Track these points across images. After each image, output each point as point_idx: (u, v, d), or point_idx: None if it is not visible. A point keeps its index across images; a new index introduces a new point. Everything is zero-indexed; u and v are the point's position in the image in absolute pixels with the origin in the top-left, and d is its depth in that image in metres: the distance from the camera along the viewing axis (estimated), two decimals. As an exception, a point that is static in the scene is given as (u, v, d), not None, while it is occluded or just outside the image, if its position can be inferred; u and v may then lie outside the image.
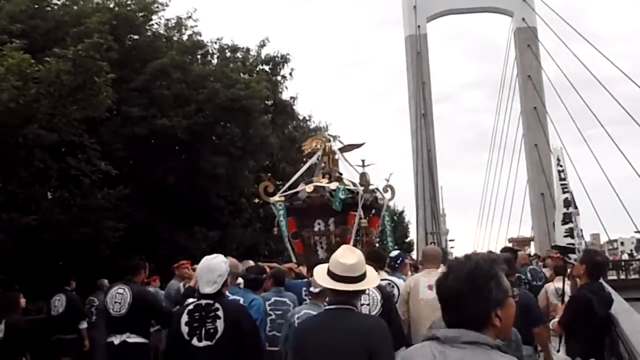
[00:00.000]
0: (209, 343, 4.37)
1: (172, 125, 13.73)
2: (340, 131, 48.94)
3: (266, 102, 16.92)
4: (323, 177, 11.68)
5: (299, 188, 11.68)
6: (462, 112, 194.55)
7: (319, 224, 11.45)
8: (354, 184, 11.50)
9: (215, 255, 4.77)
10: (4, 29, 11.57)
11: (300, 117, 22.44)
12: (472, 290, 2.09)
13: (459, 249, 57.49)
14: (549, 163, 44.40)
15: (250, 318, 4.91)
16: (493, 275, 2.12)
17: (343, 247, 3.93)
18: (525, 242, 45.60)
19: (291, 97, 21.52)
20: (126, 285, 6.93)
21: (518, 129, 48.45)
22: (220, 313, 4.43)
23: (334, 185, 11.21)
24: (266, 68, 20.30)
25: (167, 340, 5.03)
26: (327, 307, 3.78)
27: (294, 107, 21.70)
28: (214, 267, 4.56)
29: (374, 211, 12.12)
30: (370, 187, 11.71)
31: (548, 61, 42.38)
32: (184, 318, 4.46)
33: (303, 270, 8.54)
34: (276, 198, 11.64)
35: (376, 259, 6.36)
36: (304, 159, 14.14)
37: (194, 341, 4.37)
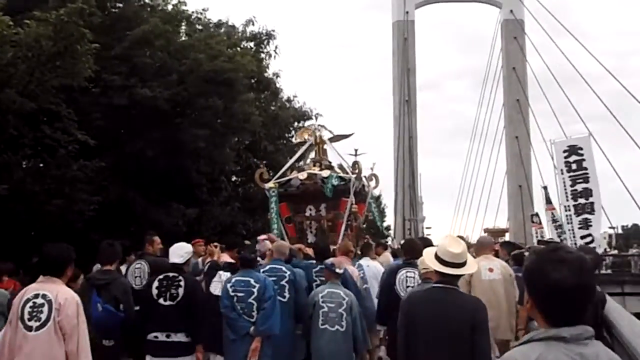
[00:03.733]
0: (171, 303, 6.05)
1: (154, 96, 13.20)
2: (323, 113, 48.62)
3: (251, 78, 16.38)
4: (314, 166, 12.38)
5: (292, 175, 12.31)
6: (445, 100, 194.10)
7: (310, 209, 12.05)
8: (345, 172, 12.11)
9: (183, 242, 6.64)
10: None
11: (285, 97, 21.98)
12: (594, 286, 2.16)
13: (434, 237, 57.51)
14: (529, 155, 44.59)
15: (201, 289, 6.77)
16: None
17: (449, 237, 4.60)
18: (500, 232, 45.79)
19: (274, 74, 21.04)
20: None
21: (500, 120, 48.43)
22: (182, 282, 6.11)
23: (326, 173, 11.80)
24: (251, 45, 19.75)
25: (141, 299, 6.38)
26: (435, 285, 4.36)
27: (278, 84, 21.21)
28: (182, 246, 6.43)
29: (362, 198, 12.53)
30: (361, 175, 12.15)
31: (533, 55, 42.15)
32: (155, 284, 6.14)
33: (310, 251, 8.94)
34: (270, 184, 12.05)
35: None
36: (295, 148, 14.73)
37: (161, 300, 6.06)
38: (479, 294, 6.53)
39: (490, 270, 7.39)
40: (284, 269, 6.99)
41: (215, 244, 8.46)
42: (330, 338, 6.27)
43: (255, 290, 6.16)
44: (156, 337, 6.03)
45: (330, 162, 12.75)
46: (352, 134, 13.50)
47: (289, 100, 22.08)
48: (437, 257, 4.33)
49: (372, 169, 12.99)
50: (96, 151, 13.36)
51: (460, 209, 49.73)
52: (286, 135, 21.77)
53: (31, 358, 4.45)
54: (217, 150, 15.65)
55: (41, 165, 11.64)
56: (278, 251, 7.38)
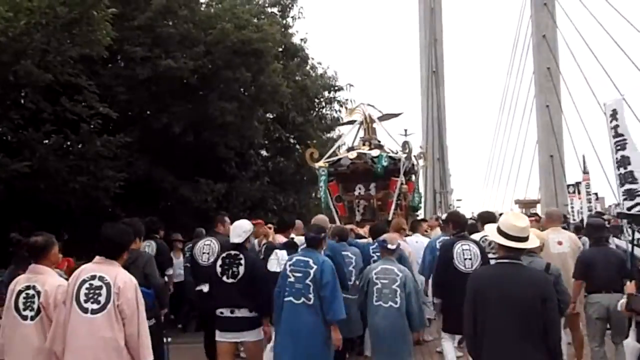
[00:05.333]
0: (233, 280, 6.31)
1: (178, 67, 12.61)
2: (349, 80, 47.83)
3: (279, 48, 15.67)
4: (363, 145, 12.69)
5: (342, 155, 12.73)
6: (474, 71, 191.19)
7: (359, 188, 12.43)
8: (394, 152, 12.43)
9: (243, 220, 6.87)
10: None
11: (311, 65, 21.17)
12: None
13: (465, 209, 57.03)
14: (560, 124, 43.68)
15: (262, 265, 6.84)
16: None
17: (512, 212, 4.95)
18: (531, 204, 45.13)
19: (302, 39, 20.27)
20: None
21: (530, 89, 47.20)
22: (242, 261, 6.37)
23: (375, 153, 12.14)
24: (275, 10, 18.99)
25: (209, 277, 6.77)
26: (500, 261, 4.40)
27: (306, 51, 20.43)
28: (242, 225, 6.63)
29: (411, 176, 13.01)
30: (411, 155, 12.55)
31: (564, 21, 40.85)
32: (219, 262, 6.46)
33: (362, 231, 9.45)
34: (320, 164, 12.49)
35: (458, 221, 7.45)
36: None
37: (224, 278, 6.35)
38: None
39: (560, 243, 7.44)
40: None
41: (270, 225, 8.75)
42: (385, 314, 6.36)
43: (312, 272, 6.05)
44: (222, 312, 6.32)
45: (379, 141, 12.91)
46: (401, 114, 13.80)
47: (313, 67, 21.25)
48: (500, 232, 4.37)
49: (421, 147, 13.62)
50: (121, 126, 12.89)
51: (490, 181, 48.96)
52: (315, 106, 21.08)
53: (89, 341, 4.40)
54: (246, 124, 15.02)
55: (64, 141, 11.09)
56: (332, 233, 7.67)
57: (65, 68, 10.16)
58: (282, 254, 7.18)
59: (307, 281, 6.02)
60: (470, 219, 11.39)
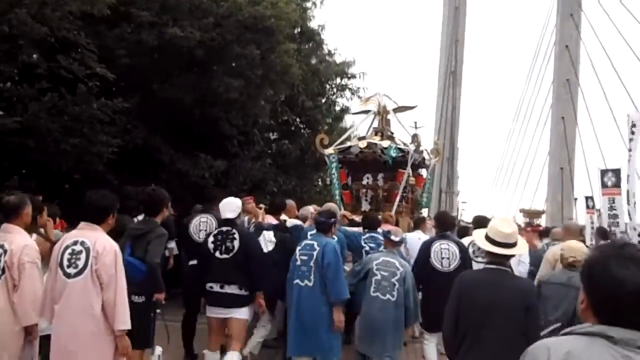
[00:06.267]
0: (226, 256, 6.33)
1: (185, 37, 12.15)
2: (365, 68, 47.17)
3: (294, 28, 15.19)
4: (375, 135, 12.52)
5: (352, 143, 12.60)
6: (492, 75, 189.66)
7: (367, 178, 12.32)
8: (404, 144, 12.23)
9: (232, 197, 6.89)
10: None
11: (326, 51, 20.72)
12: None
13: (468, 212, 56.70)
14: (574, 137, 43.01)
15: (256, 241, 6.92)
16: None
17: (499, 218, 5.03)
18: (536, 214, 44.61)
19: (319, 26, 19.79)
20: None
21: (547, 99, 46.50)
22: (236, 236, 6.39)
23: (385, 143, 11.91)
24: (295, -6, 18.50)
25: (199, 253, 6.77)
26: (488, 267, 4.41)
27: (322, 36, 19.95)
28: (232, 201, 6.70)
29: (421, 171, 13.00)
30: (420, 148, 12.46)
31: (588, 32, 40.19)
32: (211, 239, 6.48)
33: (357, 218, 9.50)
34: (330, 150, 12.33)
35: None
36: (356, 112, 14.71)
37: (217, 254, 6.38)
38: (542, 274, 6.84)
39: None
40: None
41: (261, 205, 8.56)
42: (381, 306, 6.35)
43: (315, 253, 6.26)
44: (211, 287, 6.39)
45: (392, 133, 12.77)
46: (415, 106, 13.48)
47: (329, 54, 20.80)
48: (487, 238, 4.38)
49: (436, 142, 13.88)
50: (121, 91, 12.52)
51: (497, 187, 48.47)
52: (327, 92, 20.65)
53: (69, 305, 4.43)
54: (252, 102, 14.61)
55: (59, 100, 10.70)
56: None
57: (63, 23, 9.75)
58: (269, 234, 7.37)
59: (311, 263, 6.24)
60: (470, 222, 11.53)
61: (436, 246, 7.09)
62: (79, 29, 10.40)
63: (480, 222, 7.80)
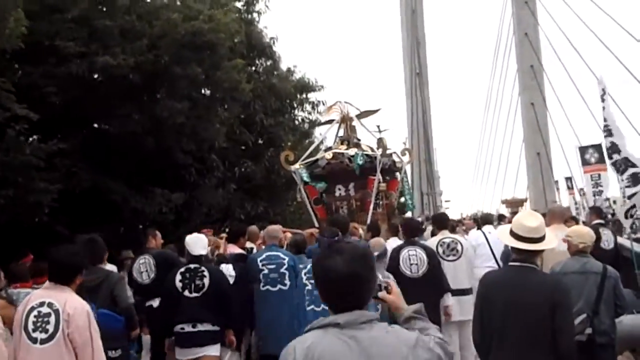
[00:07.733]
0: (197, 294, 6.18)
1: (117, 64, 11.19)
2: (328, 86, 46.72)
3: (235, 39, 14.24)
4: (342, 144, 12.27)
5: (319, 156, 12.33)
6: (458, 71, 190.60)
7: (339, 189, 11.99)
8: (372, 149, 12.03)
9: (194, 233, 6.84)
10: None
11: (285, 68, 19.82)
12: (368, 272, 2.28)
13: (453, 210, 56.30)
14: (545, 122, 42.79)
15: (226, 278, 6.63)
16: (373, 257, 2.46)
17: (526, 211, 4.20)
18: (519, 203, 44.20)
19: (271, 38, 18.88)
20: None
21: (514, 88, 46.28)
22: (206, 273, 6.24)
23: (352, 151, 11.73)
24: (238, 5, 17.58)
25: (163, 293, 6.54)
26: (512, 264, 4.18)
27: (274, 48, 19.03)
28: (201, 237, 6.62)
29: (393, 175, 12.64)
30: (388, 152, 12.20)
31: (546, 18, 39.90)
32: (178, 277, 6.24)
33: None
34: (296, 166, 11.98)
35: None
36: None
37: (186, 293, 6.19)
38: (548, 264, 6.56)
39: (564, 241, 6.61)
40: (281, 255, 7.03)
41: (222, 235, 8.45)
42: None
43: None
44: (182, 328, 6.15)
45: (358, 140, 12.56)
46: (379, 110, 13.42)
47: (289, 70, 19.95)
48: (512, 233, 4.14)
49: (404, 143, 13.72)
50: (58, 131, 11.50)
51: (478, 181, 48.02)
52: (288, 108, 19.77)
53: None
54: (203, 125, 13.65)
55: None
56: (270, 236, 7.42)
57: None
58: (228, 268, 7.04)
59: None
60: (473, 219, 12.11)
61: (404, 253, 7.13)
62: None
63: (440, 219, 8.59)
